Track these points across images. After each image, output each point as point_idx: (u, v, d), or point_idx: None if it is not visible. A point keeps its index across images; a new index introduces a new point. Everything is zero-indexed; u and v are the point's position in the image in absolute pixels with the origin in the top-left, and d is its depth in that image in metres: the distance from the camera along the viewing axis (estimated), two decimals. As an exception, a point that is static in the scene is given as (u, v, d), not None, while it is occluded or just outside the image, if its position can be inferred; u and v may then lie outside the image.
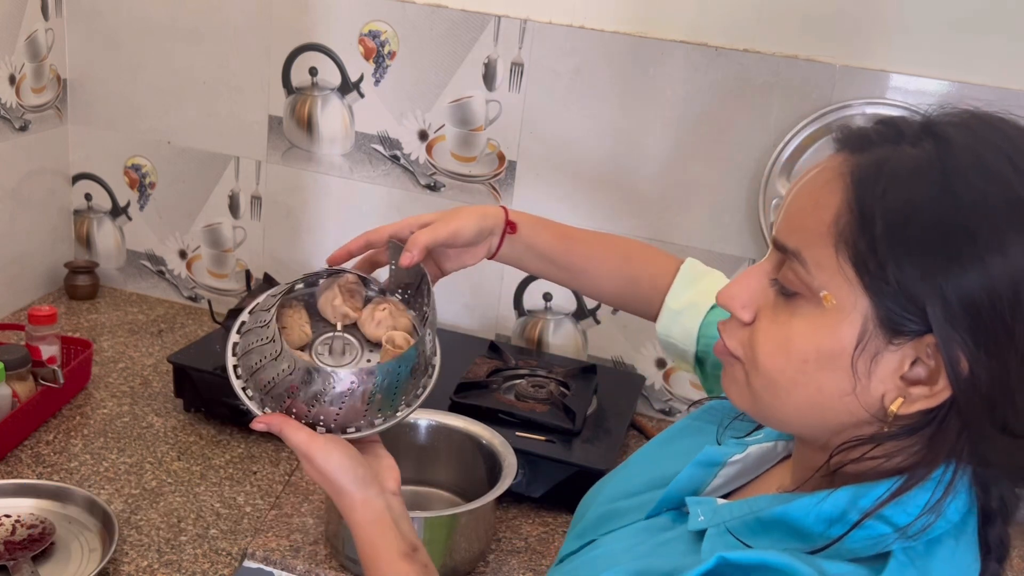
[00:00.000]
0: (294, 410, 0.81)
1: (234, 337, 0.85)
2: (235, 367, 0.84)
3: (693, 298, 0.98)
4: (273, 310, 0.82)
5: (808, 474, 0.70)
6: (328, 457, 0.79)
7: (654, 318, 1.02)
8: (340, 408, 0.80)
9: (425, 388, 0.86)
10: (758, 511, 0.68)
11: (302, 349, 0.86)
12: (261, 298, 0.86)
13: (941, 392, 0.60)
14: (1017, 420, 0.60)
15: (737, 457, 0.78)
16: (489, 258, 0.97)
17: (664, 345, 1.03)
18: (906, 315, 0.60)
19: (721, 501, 0.73)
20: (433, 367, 0.87)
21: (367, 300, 0.91)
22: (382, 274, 0.94)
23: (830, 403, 0.64)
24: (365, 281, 0.92)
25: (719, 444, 0.81)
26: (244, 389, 0.83)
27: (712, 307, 0.98)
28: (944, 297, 0.58)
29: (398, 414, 0.84)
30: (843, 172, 0.63)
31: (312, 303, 0.90)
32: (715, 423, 0.84)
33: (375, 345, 0.88)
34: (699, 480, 0.78)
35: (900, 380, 0.62)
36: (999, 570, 0.67)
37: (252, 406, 0.82)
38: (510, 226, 0.96)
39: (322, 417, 0.81)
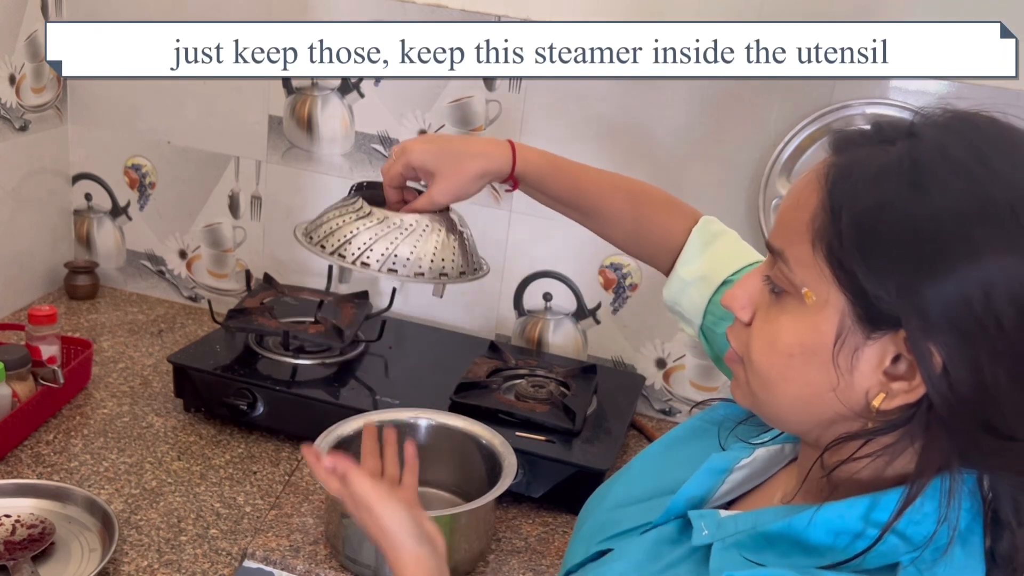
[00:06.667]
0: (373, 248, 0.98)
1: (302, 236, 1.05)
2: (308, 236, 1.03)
3: (703, 269, 0.99)
4: (359, 200, 1.03)
5: (811, 478, 0.69)
6: (393, 513, 0.81)
7: (665, 272, 1.04)
8: (412, 249, 0.95)
9: (477, 270, 1.05)
10: (762, 525, 0.68)
11: None
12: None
13: (918, 387, 0.61)
14: (1001, 420, 0.60)
15: (745, 462, 0.78)
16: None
17: (671, 310, 1.05)
18: (878, 311, 0.60)
19: (724, 513, 0.73)
20: (483, 260, 1.09)
21: None
22: None
23: (817, 398, 0.65)
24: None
25: (723, 450, 0.81)
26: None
27: (722, 284, 0.98)
28: (912, 295, 0.59)
29: (461, 275, 1.01)
30: (822, 173, 0.64)
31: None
32: (718, 427, 0.84)
33: None
34: (706, 487, 0.78)
35: (883, 376, 0.62)
36: None
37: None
38: (512, 182, 1.03)
39: (396, 256, 0.95)
